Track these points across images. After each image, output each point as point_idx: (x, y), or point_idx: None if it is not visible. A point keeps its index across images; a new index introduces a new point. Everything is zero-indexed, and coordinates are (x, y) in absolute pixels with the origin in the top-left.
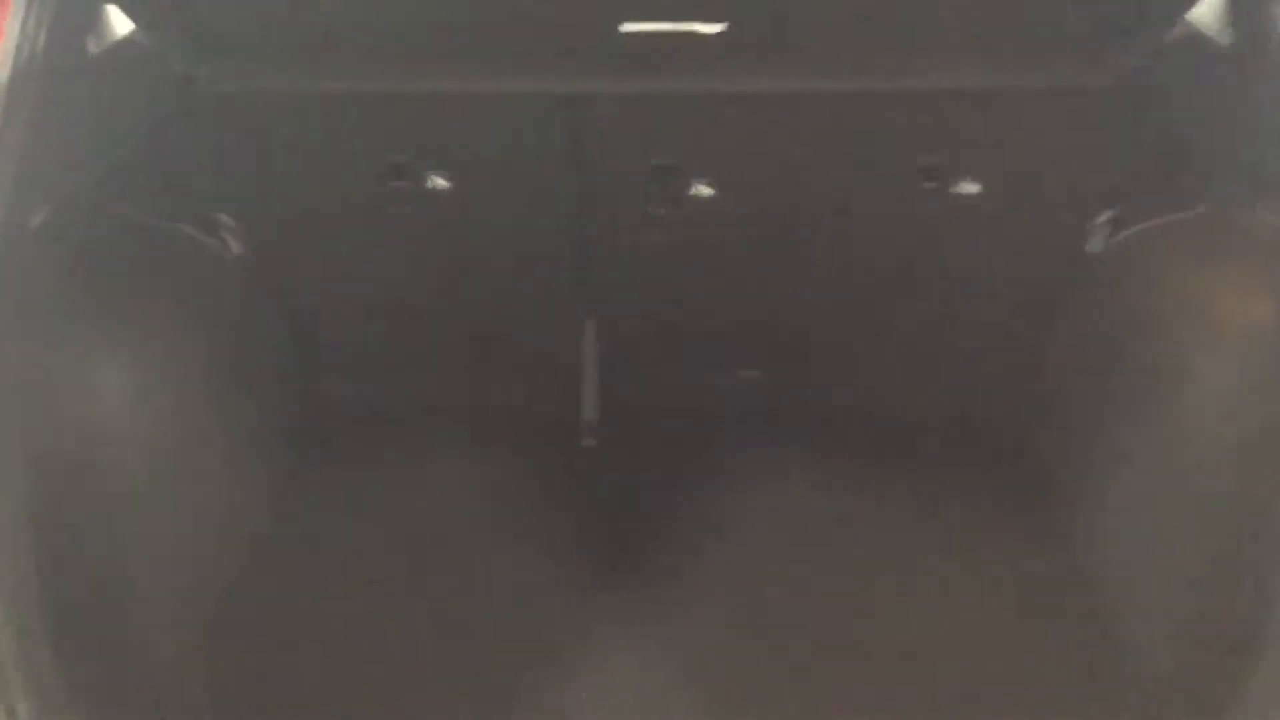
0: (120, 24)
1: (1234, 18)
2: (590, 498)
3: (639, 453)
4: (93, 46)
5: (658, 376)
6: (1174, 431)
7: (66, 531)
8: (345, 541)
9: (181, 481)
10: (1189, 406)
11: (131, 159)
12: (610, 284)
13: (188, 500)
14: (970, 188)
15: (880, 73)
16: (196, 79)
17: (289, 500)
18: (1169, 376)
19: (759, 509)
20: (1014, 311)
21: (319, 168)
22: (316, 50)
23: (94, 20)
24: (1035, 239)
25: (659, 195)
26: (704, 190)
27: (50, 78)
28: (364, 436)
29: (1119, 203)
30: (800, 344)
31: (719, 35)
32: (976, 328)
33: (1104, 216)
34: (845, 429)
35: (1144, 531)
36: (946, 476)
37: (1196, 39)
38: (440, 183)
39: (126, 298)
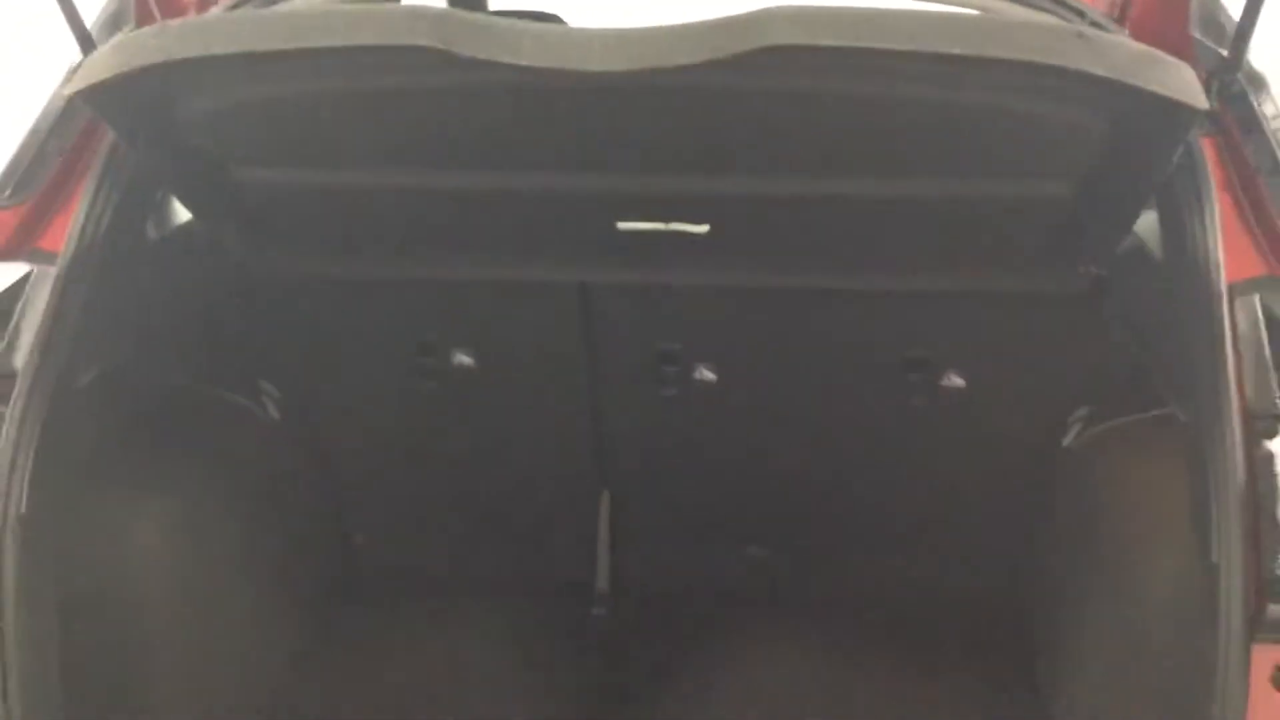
0: (179, 213)
1: (1165, 233)
2: (598, 662)
3: (645, 622)
4: (152, 231)
5: (667, 549)
6: (1134, 606)
7: (93, 668)
8: (363, 687)
9: (208, 627)
10: (1146, 584)
11: (183, 331)
12: (622, 460)
13: (212, 643)
14: (953, 380)
15: (865, 274)
16: (247, 265)
17: (312, 643)
18: (1129, 556)
19: (756, 681)
20: (997, 495)
21: (356, 343)
22: (356, 241)
23: (155, 209)
24: (1016, 429)
25: (665, 378)
26: (706, 375)
27: (110, 256)
28: (389, 590)
29: (1088, 401)
30: (799, 522)
31: (712, 234)
32: (962, 509)
33: (1078, 413)
34: (844, 604)
35: (1109, 688)
36: (940, 649)
37: (1140, 252)
38: (465, 360)
39: (167, 452)
